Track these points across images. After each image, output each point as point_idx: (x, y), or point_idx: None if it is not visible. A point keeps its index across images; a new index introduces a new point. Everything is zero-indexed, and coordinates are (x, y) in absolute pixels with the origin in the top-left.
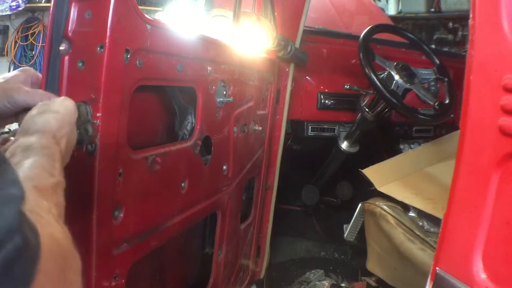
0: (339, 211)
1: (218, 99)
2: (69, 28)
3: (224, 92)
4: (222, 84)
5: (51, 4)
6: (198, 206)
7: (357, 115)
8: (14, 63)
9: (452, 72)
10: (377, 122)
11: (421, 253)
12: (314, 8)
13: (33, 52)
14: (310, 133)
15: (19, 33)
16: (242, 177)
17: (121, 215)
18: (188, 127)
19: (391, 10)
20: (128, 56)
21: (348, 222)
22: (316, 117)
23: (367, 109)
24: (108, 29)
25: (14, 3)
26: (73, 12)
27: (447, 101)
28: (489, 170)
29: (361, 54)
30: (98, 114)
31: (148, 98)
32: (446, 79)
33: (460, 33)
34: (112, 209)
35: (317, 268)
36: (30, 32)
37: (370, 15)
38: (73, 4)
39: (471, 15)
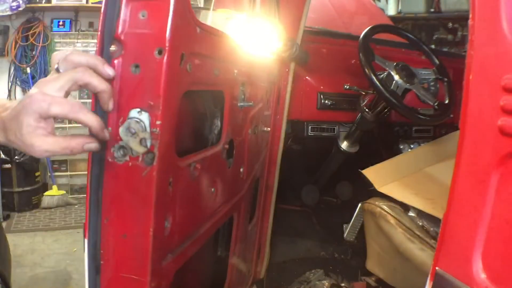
0: (339, 211)
1: (239, 103)
2: (120, 29)
3: (243, 95)
4: (241, 86)
5: (103, 3)
6: (223, 210)
7: (357, 115)
8: (14, 63)
9: (452, 72)
10: (377, 122)
11: (420, 253)
12: (314, 8)
13: (34, 53)
14: (310, 133)
15: (20, 33)
16: (252, 178)
17: (169, 226)
18: (216, 131)
19: (391, 10)
20: (183, 60)
21: (348, 222)
22: (316, 117)
23: (367, 109)
24: (168, 31)
25: (14, 3)
26: (125, 12)
27: (446, 101)
28: (489, 170)
29: (361, 54)
30: (158, 122)
31: (186, 103)
32: (445, 79)
33: (459, 33)
34: (164, 220)
35: (317, 268)
36: (31, 32)
37: (370, 15)
38: (123, 3)
39: (470, 15)
